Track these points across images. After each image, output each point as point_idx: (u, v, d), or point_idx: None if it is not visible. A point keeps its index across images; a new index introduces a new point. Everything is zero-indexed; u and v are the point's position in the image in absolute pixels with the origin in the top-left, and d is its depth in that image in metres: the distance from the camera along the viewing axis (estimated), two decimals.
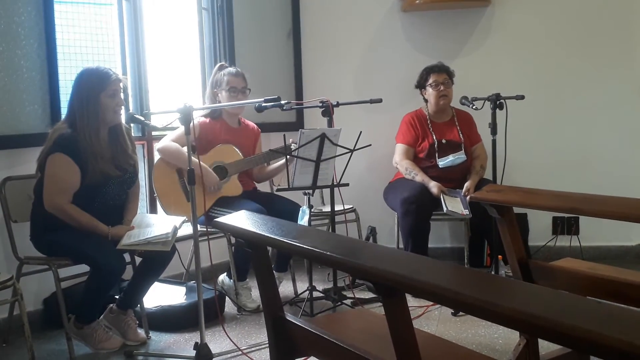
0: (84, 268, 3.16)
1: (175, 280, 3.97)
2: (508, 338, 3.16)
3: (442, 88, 4.37)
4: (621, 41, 4.72)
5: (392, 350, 1.77)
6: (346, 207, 4.27)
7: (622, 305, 2.64)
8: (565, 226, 4.77)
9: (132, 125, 3.46)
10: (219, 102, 3.88)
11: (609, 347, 1.27)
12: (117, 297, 3.37)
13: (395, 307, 1.74)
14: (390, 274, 1.69)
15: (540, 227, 4.72)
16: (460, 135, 4.42)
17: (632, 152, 4.78)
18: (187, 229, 3.53)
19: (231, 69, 3.94)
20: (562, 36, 4.75)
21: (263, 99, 3.25)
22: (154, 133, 4.15)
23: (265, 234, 2.10)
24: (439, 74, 4.39)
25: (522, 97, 4.06)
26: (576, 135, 4.79)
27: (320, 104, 3.79)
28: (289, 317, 2.25)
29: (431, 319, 3.56)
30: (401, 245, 4.28)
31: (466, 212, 4.04)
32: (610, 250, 4.74)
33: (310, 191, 3.63)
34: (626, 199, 2.59)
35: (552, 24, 4.75)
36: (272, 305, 2.29)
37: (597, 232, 4.69)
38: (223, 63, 4.07)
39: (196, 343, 2.95)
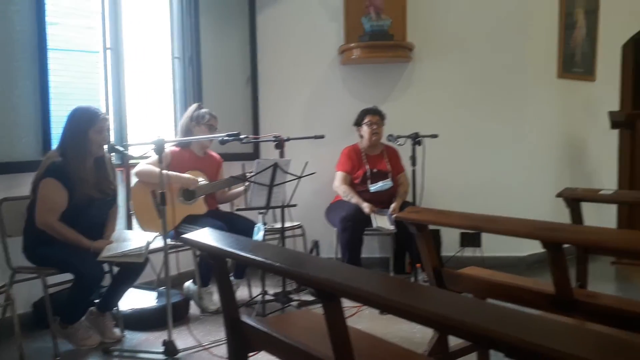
0: (68, 276, 3.07)
1: (148, 286, 3.87)
2: (425, 333, 3.17)
3: (375, 127, 4.42)
4: (516, 90, 4.86)
5: (330, 345, 1.77)
6: (294, 224, 4.27)
7: (515, 306, 2.71)
8: (470, 240, 4.83)
9: (112, 154, 3.37)
10: (194, 134, 3.84)
11: (501, 341, 1.30)
12: (96, 301, 3.26)
13: (333, 309, 1.74)
14: (329, 282, 1.69)
15: (450, 240, 4.78)
16: (388, 166, 4.47)
17: (524, 181, 4.91)
18: (159, 243, 3.46)
19: (211, 112, 3.93)
20: (469, 85, 4.86)
21: (226, 134, 3.24)
22: (131, 161, 4.06)
23: (225, 248, 2.08)
24: (373, 116, 4.45)
25: (436, 136, 4.15)
26: (479, 167, 4.88)
27: (274, 139, 3.79)
28: (244, 318, 2.22)
29: (362, 317, 3.56)
30: (339, 256, 4.28)
31: (392, 227, 4.08)
32: (507, 260, 4.79)
33: (265, 211, 3.62)
34: (516, 219, 2.64)
35: (461, 76, 4.86)
36: (230, 307, 2.25)
37: (495, 245, 4.76)
38: (200, 104, 4.04)
39: (164, 340, 2.89)
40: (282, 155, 3.76)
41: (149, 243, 3.13)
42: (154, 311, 3.47)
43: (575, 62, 5.24)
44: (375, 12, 4.57)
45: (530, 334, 1.27)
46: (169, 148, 3.74)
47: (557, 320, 1.45)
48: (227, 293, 2.27)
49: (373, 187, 4.34)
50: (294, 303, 3.71)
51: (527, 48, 4.87)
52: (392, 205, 4.27)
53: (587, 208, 3.88)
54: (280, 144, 3.75)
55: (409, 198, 4.30)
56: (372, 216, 4.15)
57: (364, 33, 4.61)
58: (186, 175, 3.71)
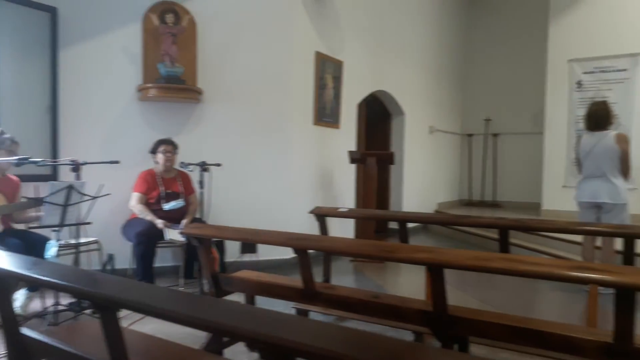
0: None
1: None
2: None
3: (168, 155, 4.24)
4: (283, 131, 5.06)
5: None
6: (90, 239, 3.83)
7: (277, 300, 2.76)
8: (248, 247, 4.84)
9: None
10: None
11: (247, 337, 1.30)
12: None
13: (108, 319, 1.58)
14: (102, 295, 1.53)
15: (232, 249, 4.74)
16: (181, 188, 4.30)
17: (288, 201, 5.11)
18: None
19: (13, 138, 3.34)
20: (247, 126, 4.92)
21: (17, 158, 2.79)
22: None
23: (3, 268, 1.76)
24: (167, 145, 4.26)
25: (220, 164, 4.12)
26: (255, 189, 4.96)
27: (71, 162, 3.38)
28: (24, 331, 1.89)
29: (152, 319, 3.31)
30: (134, 267, 3.96)
31: (182, 239, 3.91)
32: (276, 262, 4.90)
33: (58, 228, 3.19)
34: (274, 232, 2.71)
35: (241, 118, 4.91)
36: (9, 322, 1.91)
37: (268, 250, 4.82)
38: (3, 130, 3.42)
39: None
40: (78, 177, 3.36)
41: None
42: None
43: (327, 113, 5.70)
44: (170, 61, 4.41)
45: (263, 327, 1.29)
46: None
47: (289, 315, 1.50)
48: (6, 309, 1.92)
49: (167, 206, 4.14)
50: (88, 311, 3.31)
51: (292, 100, 5.13)
52: (184, 221, 4.12)
53: (335, 222, 4.20)
54: (76, 167, 3.36)
55: (199, 215, 4.19)
56: (165, 230, 3.94)
57: (160, 77, 4.41)
58: None
